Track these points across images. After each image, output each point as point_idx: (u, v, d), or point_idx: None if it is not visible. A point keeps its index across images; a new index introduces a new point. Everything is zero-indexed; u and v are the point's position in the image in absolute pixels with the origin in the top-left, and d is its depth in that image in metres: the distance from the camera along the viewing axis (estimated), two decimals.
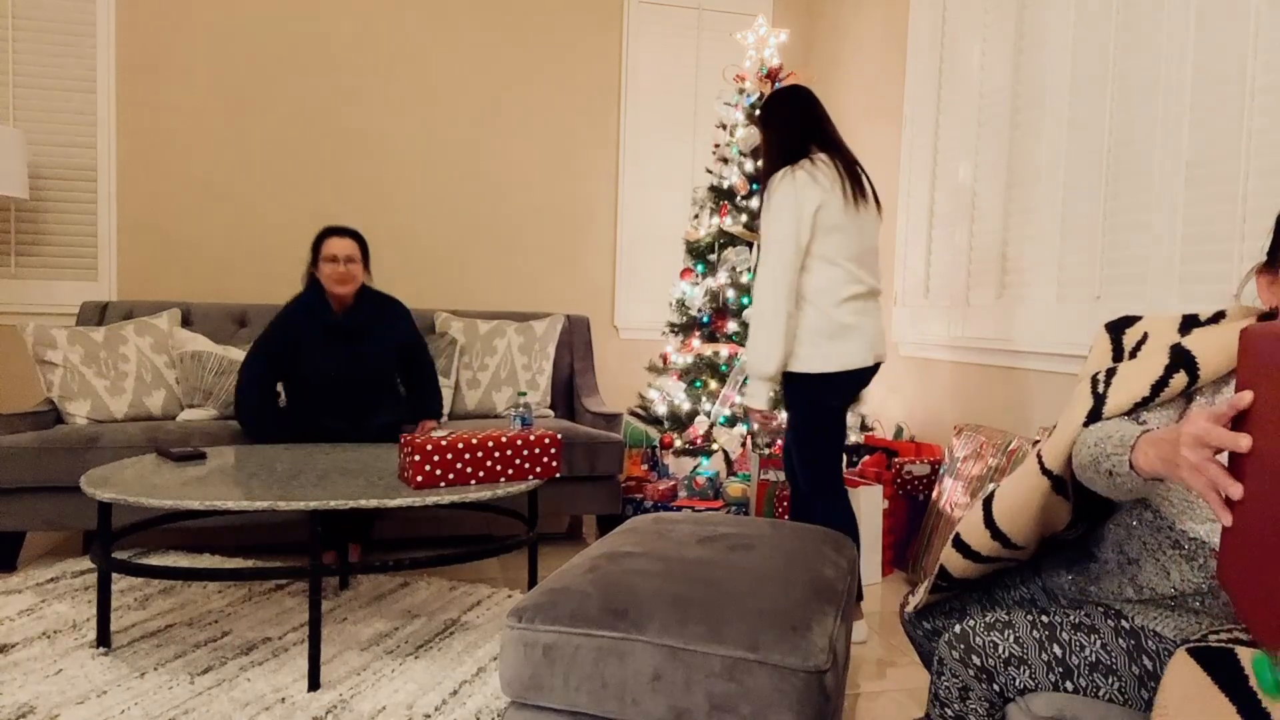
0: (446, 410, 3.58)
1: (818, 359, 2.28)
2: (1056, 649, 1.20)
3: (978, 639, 1.25)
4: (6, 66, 3.74)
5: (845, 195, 2.24)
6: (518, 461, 2.33)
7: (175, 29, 3.94)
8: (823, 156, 2.29)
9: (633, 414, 3.84)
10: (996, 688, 1.24)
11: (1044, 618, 1.23)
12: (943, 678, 1.30)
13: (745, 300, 3.59)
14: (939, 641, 1.30)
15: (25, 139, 3.76)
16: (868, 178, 2.39)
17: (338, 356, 2.95)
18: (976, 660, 1.24)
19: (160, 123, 3.94)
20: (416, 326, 3.16)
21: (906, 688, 2.21)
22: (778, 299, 2.23)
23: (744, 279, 3.65)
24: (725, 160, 3.82)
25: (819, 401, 2.30)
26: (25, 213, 3.80)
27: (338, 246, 2.94)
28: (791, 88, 2.39)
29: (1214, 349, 1.18)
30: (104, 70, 3.85)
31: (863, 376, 2.34)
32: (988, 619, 1.26)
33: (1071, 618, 1.23)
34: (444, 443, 2.21)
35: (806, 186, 2.21)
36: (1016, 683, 1.22)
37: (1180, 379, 1.17)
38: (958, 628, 1.28)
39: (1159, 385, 1.18)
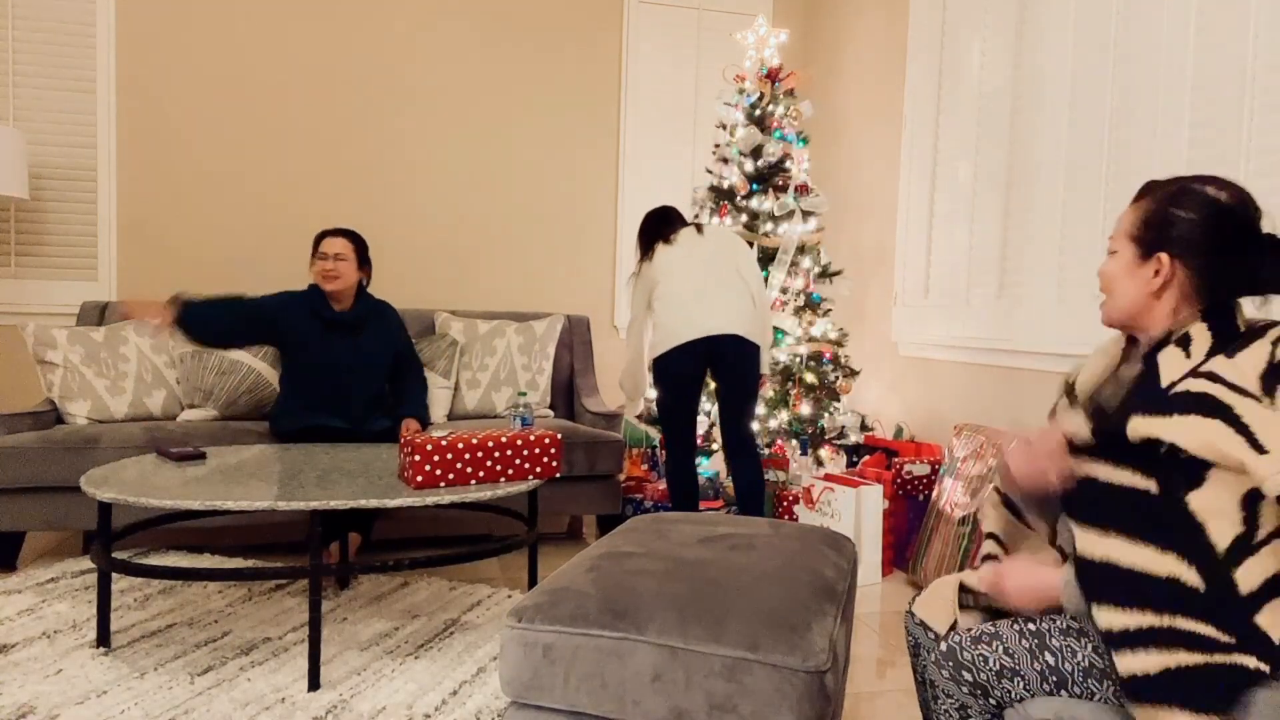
0: (446, 410, 3.58)
1: (654, 350, 3.02)
2: (1049, 657, 1.18)
3: (965, 654, 1.23)
4: (6, 66, 3.74)
5: (664, 252, 3.04)
6: (518, 461, 2.33)
7: (175, 29, 3.94)
8: (652, 253, 3.10)
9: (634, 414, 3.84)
10: (993, 702, 1.22)
11: (1030, 625, 1.22)
12: (939, 701, 1.29)
13: None
14: (928, 663, 1.28)
15: (25, 139, 3.76)
16: (696, 223, 3.26)
17: (336, 347, 3.00)
18: (968, 676, 1.22)
19: (160, 123, 3.94)
20: (407, 331, 3.22)
21: (906, 688, 2.21)
22: (631, 341, 3.17)
23: None
24: (725, 160, 3.82)
25: (660, 374, 2.99)
26: (25, 213, 3.80)
27: (328, 245, 3.01)
28: (649, 214, 3.19)
29: (1088, 367, 1.41)
30: (104, 70, 3.85)
31: (692, 349, 2.92)
32: (973, 633, 1.24)
33: (1059, 623, 1.21)
34: (444, 443, 2.21)
35: (638, 284, 3.12)
36: (1013, 694, 1.20)
37: (1064, 404, 1.42)
38: (943, 646, 1.26)
39: (1052, 414, 1.45)
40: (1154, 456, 1.18)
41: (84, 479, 2.17)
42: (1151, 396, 1.20)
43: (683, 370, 2.94)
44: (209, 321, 2.80)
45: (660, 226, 3.14)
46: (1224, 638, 1.09)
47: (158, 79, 3.93)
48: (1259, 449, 1.09)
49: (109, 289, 3.90)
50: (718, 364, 2.96)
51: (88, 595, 2.66)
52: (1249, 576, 1.10)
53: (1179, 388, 1.18)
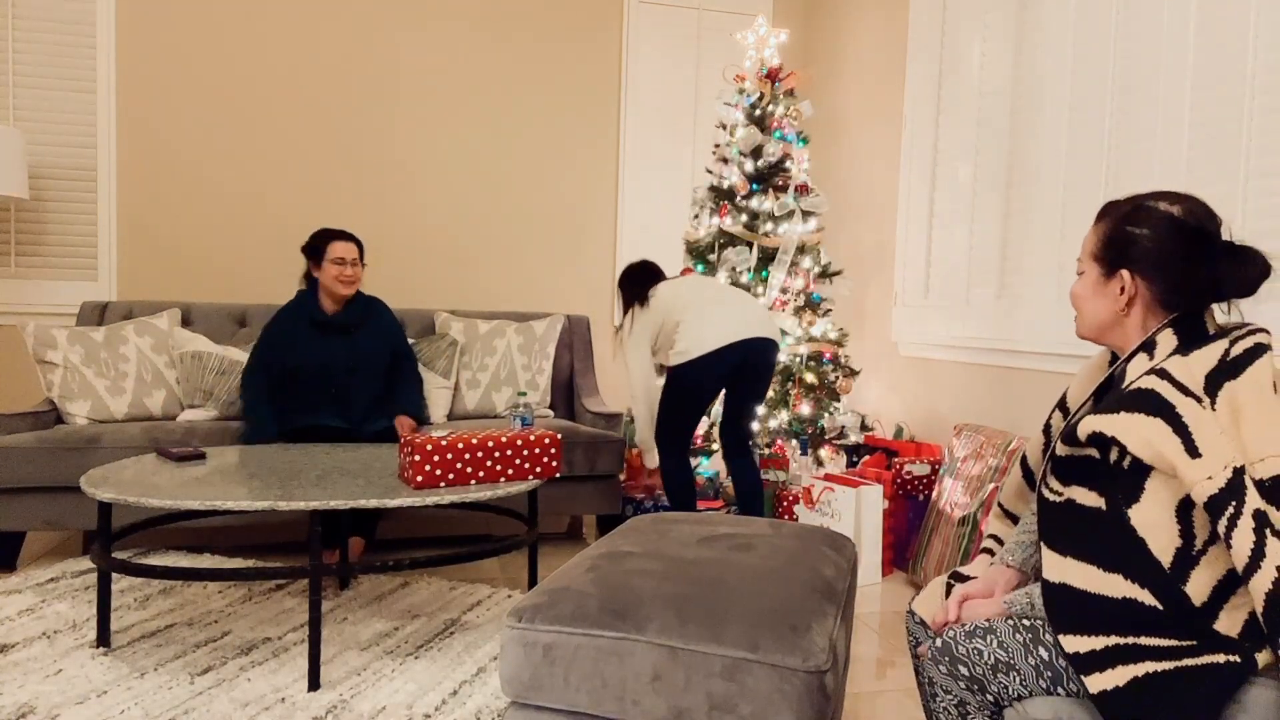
0: (446, 410, 3.58)
1: (682, 356, 2.88)
2: (1043, 652, 1.19)
3: (960, 648, 1.24)
4: (6, 66, 3.74)
5: (664, 287, 3.04)
6: (518, 461, 2.33)
7: (175, 29, 3.94)
8: (647, 298, 3.07)
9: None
10: (990, 697, 1.23)
11: (1025, 621, 1.23)
12: (938, 699, 1.29)
13: None
14: (926, 662, 1.30)
15: (25, 139, 3.76)
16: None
17: (332, 349, 2.99)
18: (964, 670, 1.23)
19: (160, 123, 3.94)
20: (401, 327, 3.22)
21: (906, 688, 2.21)
22: (639, 392, 3.02)
23: (744, 279, 3.65)
24: (725, 160, 3.82)
25: (682, 380, 2.89)
26: (25, 213, 3.80)
27: (345, 250, 3.01)
28: (631, 268, 3.16)
29: (1077, 379, 1.45)
30: (104, 70, 3.85)
31: (724, 356, 2.86)
32: (967, 628, 1.26)
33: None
34: (444, 443, 2.21)
35: (636, 328, 3.03)
36: (1010, 690, 1.20)
37: (1058, 416, 1.46)
38: (939, 641, 1.27)
39: (1046, 428, 1.48)
40: (1104, 466, 1.20)
41: (84, 479, 2.17)
42: (1111, 398, 1.23)
43: (710, 377, 2.87)
44: (277, 418, 2.97)
45: (647, 275, 3.14)
46: (1190, 645, 1.10)
47: (158, 79, 3.93)
48: (1193, 453, 1.11)
49: (109, 289, 3.90)
50: (745, 368, 2.91)
51: (88, 595, 2.66)
52: (1198, 588, 1.12)
53: (1132, 385, 1.20)
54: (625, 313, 3.13)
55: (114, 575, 2.82)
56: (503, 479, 2.31)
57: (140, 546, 3.20)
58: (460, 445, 2.23)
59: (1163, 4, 2.52)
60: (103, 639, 2.27)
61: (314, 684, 2.06)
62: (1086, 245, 1.36)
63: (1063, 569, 1.19)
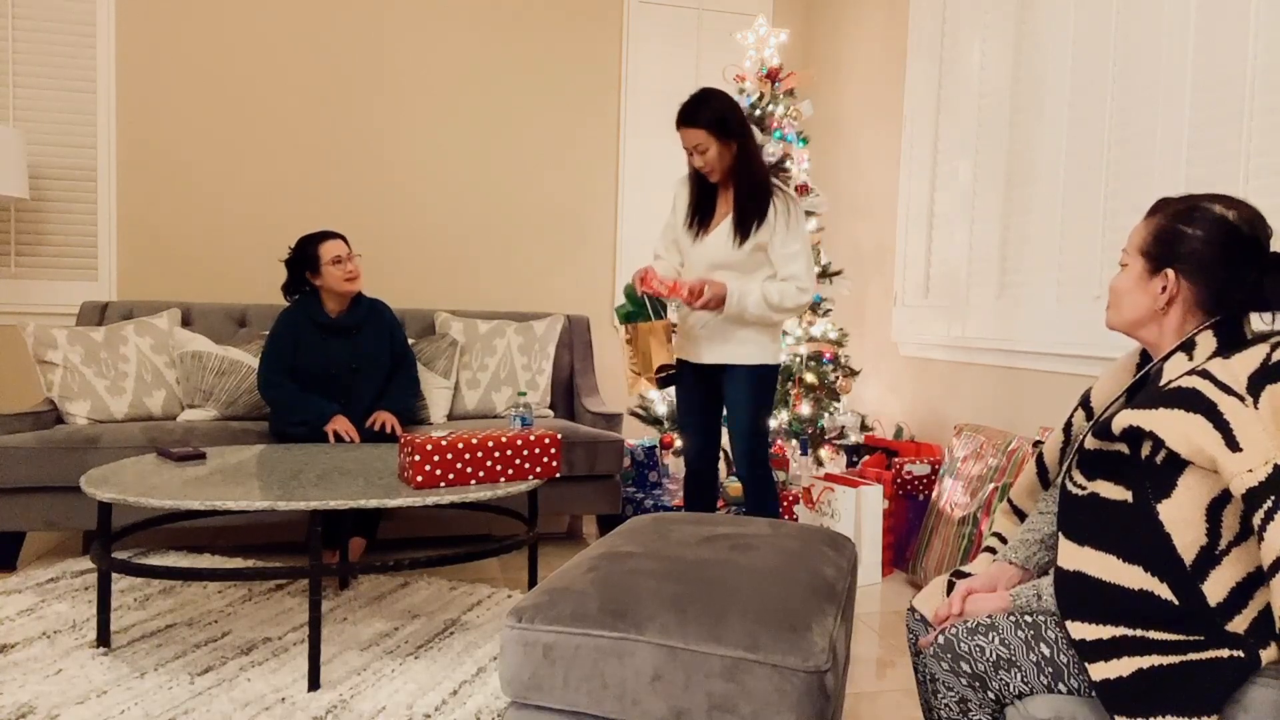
0: (446, 410, 3.57)
1: (780, 357, 2.66)
2: (1044, 648, 1.20)
3: (963, 645, 1.25)
4: (6, 66, 3.74)
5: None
6: (518, 461, 2.33)
7: (175, 29, 3.94)
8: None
9: (633, 414, 3.84)
10: (991, 694, 1.23)
11: (1027, 618, 1.24)
12: (939, 695, 1.30)
13: None
14: (928, 658, 1.31)
15: (25, 139, 3.76)
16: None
17: (336, 351, 2.99)
18: (966, 667, 1.24)
19: (160, 123, 3.94)
20: (402, 329, 3.23)
21: (906, 688, 2.21)
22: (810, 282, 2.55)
23: None
24: None
25: (774, 380, 2.62)
26: (25, 213, 3.80)
27: (338, 247, 2.99)
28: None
29: (1102, 379, 1.44)
30: (104, 70, 3.85)
31: None
32: (969, 624, 1.27)
33: (1056, 615, 1.24)
34: (444, 443, 2.21)
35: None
36: (1011, 687, 1.21)
37: (1080, 415, 1.45)
38: (941, 639, 1.28)
39: (1066, 427, 1.47)
40: (1135, 461, 1.21)
41: (84, 479, 2.17)
42: (1147, 395, 1.23)
43: None
44: (309, 391, 3.00)
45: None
46: (1196, 640, 1.11)
47: (158, 79, 3.93)
48: (1234, 447, 1.11)
49: (109, 289, 3.90)
50: None
51: (88, 595, 2.66)
52: (1216, 588, 1.13)
53: (1172, 384, 1.21)
54: (764, 173, 2.56)
55: (114, 575, 2.82)
56: (503, 479, 2.31)
57: (140, 546, 3.20)
58: (460, 445, 2.23)
59: (1163, 4, 2.52)
60: (103, 639, 2.27)
61: (314, 684, 2.06)
62: (1134, 238, 1.34)
63: (1079, 557, 1.20)
